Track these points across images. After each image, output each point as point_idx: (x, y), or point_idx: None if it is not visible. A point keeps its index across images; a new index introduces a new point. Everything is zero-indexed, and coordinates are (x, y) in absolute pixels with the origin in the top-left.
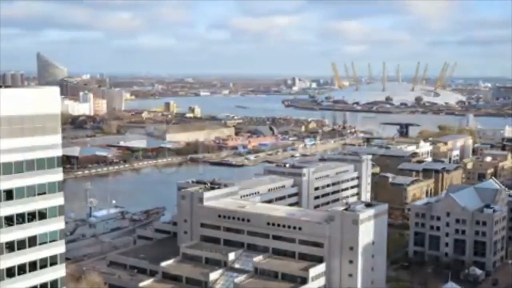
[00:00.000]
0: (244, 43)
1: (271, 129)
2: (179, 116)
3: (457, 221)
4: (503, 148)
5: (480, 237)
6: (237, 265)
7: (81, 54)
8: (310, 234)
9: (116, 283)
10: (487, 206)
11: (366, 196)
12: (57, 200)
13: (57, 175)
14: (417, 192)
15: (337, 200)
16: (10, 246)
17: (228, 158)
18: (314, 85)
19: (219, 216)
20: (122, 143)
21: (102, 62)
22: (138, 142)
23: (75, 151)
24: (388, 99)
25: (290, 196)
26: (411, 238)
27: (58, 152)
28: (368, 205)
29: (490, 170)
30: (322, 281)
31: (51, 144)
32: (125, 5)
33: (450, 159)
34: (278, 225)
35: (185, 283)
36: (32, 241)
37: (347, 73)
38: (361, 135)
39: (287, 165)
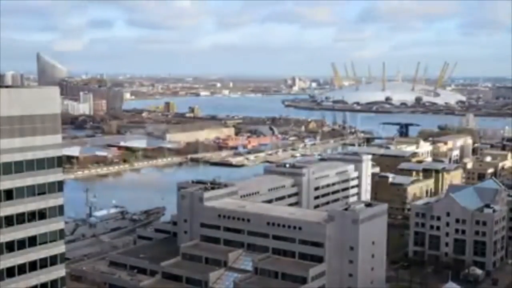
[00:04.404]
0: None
1: (271, 129)
2: (179, 116)
3: (457, 221)
4: (503, 148)
5: (480, 237)
6: (237, 265)
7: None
8: (310, 234)
9: (116, 283)
10: (487, 206)
11: (366, 196)
12: (57, 200)
13: (57, 175)
14: (417, 192)
15: (337, 200)
16: (10, 246)
17: (228, 158)
18: (314, 85)
19: (219, 216)
20: (122, 143)
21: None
22: (138, 142)
23: (75, 151)
24: (388, 99)
25: (290, 196)
26: (411, 238)
27: (58, 152)
28: (368, 205)
29: (490, 170)
30: (322, 281)
31: (51, 144)
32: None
33: (450, 159)
34: (278, 225)
35: (185, 283)
36: (32, 241)
37: (347, 73)
38: (361, 135)
39: (287, 165)
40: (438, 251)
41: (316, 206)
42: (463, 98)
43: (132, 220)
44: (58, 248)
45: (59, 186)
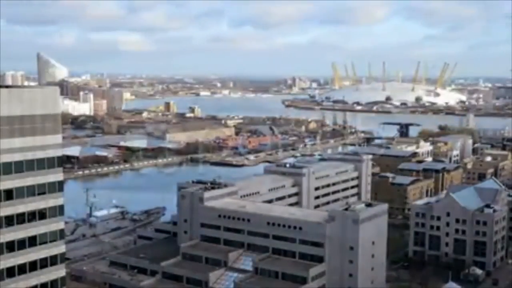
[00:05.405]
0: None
1: (271, 129)
2: (179, 116)
3: (457, 221)
4: (503, 148)
5: (480, 237)
6: (237, 265)
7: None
8: (310, 234)
9: (116, 283)
10: (487, 206)
11: (366, 196)
12: (57, 200)
13: (57, 175)
14: (417, 192)
15: (337, 200)
16: (10, 246)
17: (228, 158)
18: (314, 85)
19: (219, 216)
20: (122, 143)
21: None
22: (138, 142)
23: (75, 151)
24: (388, 99)
25: (290, 196)
26: (411, 238)
27: (58, 152)
28: (368, 205)
29: (490, 170)
30: (322, 281)
31: (51, 144)
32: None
33: (450, 159)
34: (278, 225)
35: (185, 283)
36: (32, 241)
37: (347, 73)
38: (361, 135)
39: (287, 165)
40: (438, 251)
41: (316, 206)
42: (463, 98)
43: (132, 220)
44: (58, 248)
45: (59, 186)
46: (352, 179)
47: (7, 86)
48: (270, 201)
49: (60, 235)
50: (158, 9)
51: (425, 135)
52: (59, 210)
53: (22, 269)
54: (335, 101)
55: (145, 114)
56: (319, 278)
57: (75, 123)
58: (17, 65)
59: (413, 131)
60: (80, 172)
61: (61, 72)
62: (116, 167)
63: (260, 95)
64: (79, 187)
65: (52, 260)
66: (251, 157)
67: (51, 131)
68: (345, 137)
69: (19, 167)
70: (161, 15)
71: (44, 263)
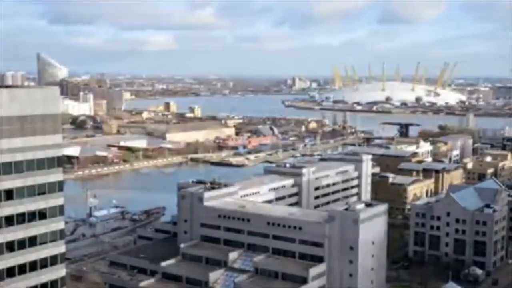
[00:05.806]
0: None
1: (271, 129)
2: (179, 116)
3: (457, 221)
4: (503, 148)
5: (480, 237)
6: (237, 265)
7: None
8: (310, 234)
9: (116, 283)
10: (487, 206)
11: (366, 196)
12: (57, 200)
13: (57, 175)
14: (417, 192)
15: (337, 200)
16: (10, 246)
17: (228, 158)
18: (314, 85)
19: (219, 216)
20: (122, 143)
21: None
22: (138, 142)
23: (75, 151)
24: (388, 99)
25: (290, 196)
26: (411, 238)
27: (58, 152)
28: (368, 205)
29: (490, 170)
30: (322, 281)
31: (51, 144)
32: None
33: (450, 159)
34: (278, 225)
35: (185, 283)
36: (32, 241)
37: (347, 73)
38: (361, 135)
39: (287, 165)
40: (438, 251)
41: (316, 206)
42: (463, 98)
43: (132, 220)
44: (58, 248)
45: (59, 186)
46: (352, 179)
47: (7, 86)
48: (270, 201)
49: (60, 235)
50: (213, 7)
51: (425, 135)
52: (59, 210)
53: (22, 269)
54: (335, 101)
55: (145, 114)
56: (319, 278)
57: (75, 123)
58: (17, 65)
59: (413, 131)
60: (80, 172)
61: (61, 72)
62: (116, 167)
63: (260, 95)
64: (79, 187)
65: (52, 260)
66: (251, 157)
67: (51, 131)
68: (345, 137)
69: (19, 167)
70: (213, 13)
71: (44, 263)
